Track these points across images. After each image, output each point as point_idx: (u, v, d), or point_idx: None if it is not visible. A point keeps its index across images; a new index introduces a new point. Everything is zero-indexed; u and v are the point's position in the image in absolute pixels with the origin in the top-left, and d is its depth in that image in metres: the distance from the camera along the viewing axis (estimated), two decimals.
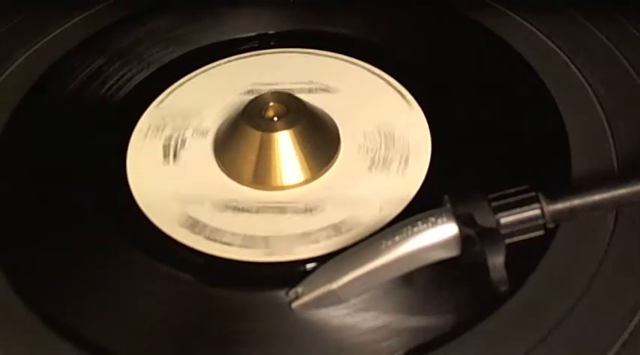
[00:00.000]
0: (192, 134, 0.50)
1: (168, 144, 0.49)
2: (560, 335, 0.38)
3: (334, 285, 0.38)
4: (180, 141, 0.49)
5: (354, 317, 0.39)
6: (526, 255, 0.40)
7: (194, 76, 0.54)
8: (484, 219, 0.37)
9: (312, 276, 0.40)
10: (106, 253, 0.43)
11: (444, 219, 0.37)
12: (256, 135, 0.46)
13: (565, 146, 0.47)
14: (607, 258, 0.41)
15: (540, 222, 0.38)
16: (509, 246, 0.37)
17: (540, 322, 0.39)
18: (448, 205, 0.38)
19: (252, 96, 0.48)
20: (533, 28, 0.55)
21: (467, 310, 0.39)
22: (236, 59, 0.55)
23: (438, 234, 0.37)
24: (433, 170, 0.46)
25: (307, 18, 0.57)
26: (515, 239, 0.38)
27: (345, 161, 0.47)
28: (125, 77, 0.54)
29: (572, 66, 0.52)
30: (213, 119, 0.50)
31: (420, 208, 0.39)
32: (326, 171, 0.47)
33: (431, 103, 0.50)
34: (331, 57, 0.54)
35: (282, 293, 0.40)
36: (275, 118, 0.46)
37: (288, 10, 0.58)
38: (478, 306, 0.39)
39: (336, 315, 0.39)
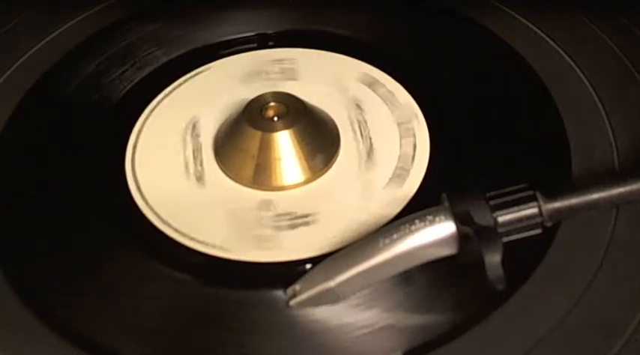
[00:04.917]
0: (192, 134, 0.50)
1: (168, 145, 0.49)
2: (560, 335, 0.38)
3: (332, 283, 0.38)
4: (179, 140, 0.49)
5: (353, 316, 0.39)
6: (526, 255, 0.40)
7: (194, 76, 0.54)
8: (482, 218, 0.37)
9: (309, 274, 0.40)
10: (106, 253, 0.43)
11: (442, 218, 0.37)
12: (256, 135, 0.46)
13: (565, 146, 0.47)
14: (607, 258, 0.41)
15: (538, 220, 0.38)
16: (510, 246, 0.37)
17: (540, 322, 0.39)
18: (446, 203, 0.38)
19: (252, 96, 0.48)
20: (533, 28, 0.55)
21: (467, 310, 0.39)
22: (236, 59, 0.55)
23: (436, 232, 0.37)
24: (433, 169, 0.46)
25: (307, 18, 0.57)
26: (513, 237, 0.38)
27: (345, 161, 0.47)
28: (124, 77, 0.54)
29: (572, 66, 0.52)
30: (212, 119, 0.50)
31: (419, 208, 0.39)
32: (326, 171, 0.47)
33: (430, 103, 0.50)
34: (331, 57, 0.54)
35: (280, 292, 0.40)
36: (275, 118, 0.46)
37: (287, 9, 0.58)
38: (478, 306, 0.39)
39: (335, 314, 0.39)
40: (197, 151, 0.48)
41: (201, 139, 0.49)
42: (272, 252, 0.43)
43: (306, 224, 0.44)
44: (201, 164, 0.48)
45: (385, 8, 0.58)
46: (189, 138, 0.49)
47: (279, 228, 0.44)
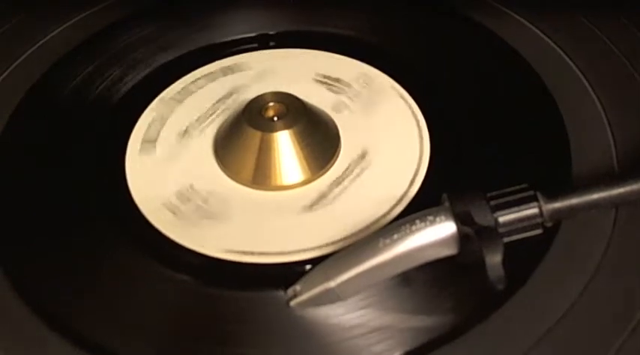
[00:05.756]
0: (192, 134, 0.50)
1: (168, 145, 0.49)
2: (560, 335, 0.38)
3: (332, 283, 0.38)
4: (180, 141, 0.49)
5: (353, 317, 0.39)
6: (526, 255, 0.40)
7: (194, 76, 0.54)
8: (482, 218, 0.37)
9: (310, 274, 0.40)
10: (106, 254, 0.43)
11: (442, 218, 0.37)
12: (256, 135, 0.46)
13: (565, 146, 0.47)
14: (607, 258, 0.41)
15: (539, 220, 0.38)
16: (510, 246, 0.37)
17: (540, 322, 0.39)
18: (446, 203, 0.38)
19: (252, 96, 0.48)
20: (533, 28, 0.55)
21: (467, 310, 0.39)
22: (236, 59, 0.55)
23: (436, 233, 0.37)
24: (433, 169, 0.46)
25: (307, 18, 0.57)
26: (514, 237, 0.38)
27: (345, 161, 0.47)
28: (125, 77, 0.53)
29: (572, 66, 0.52)
30: (212, 119, 0.50)
31: (419, 208, 0.39)
32: (326, 171, 0.47)
33: (431, 103, 0.50)
34: (331, 57, 0.54)
35: (280, 292, 0.40)
36: (275, 118, 0.46)
37: (288, 10, 0.58)
38: (478, 306, 0.39)
39: (335, 315, 0.39)
40: (197, 151, 0.48)
41: (201, 139, 0.49)
42: (272, 252, 0.42)
43: (306, 224, 0.44)
44: (201, 164, 0.48)
45: (385, 8, 0.58)
46: (189, 138, 0.49)
47: (279, 229, 0.44)
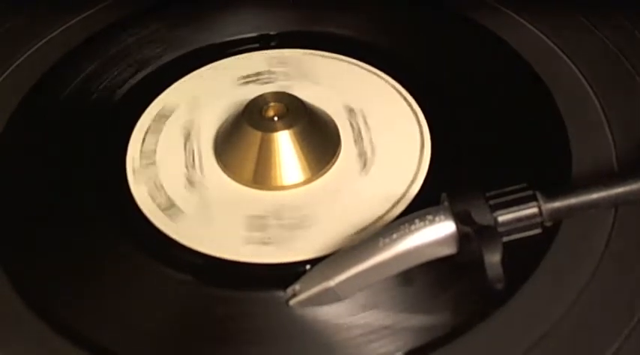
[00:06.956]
0: (192, 133, 0.50)
1: (169, 145, 0.49)
2: (561, 335, 0.38)
3: (332, 283, 0.38)
4: (180, 140, 0.49)
5: (353, 317, 0.39)
6: (526, 255, 0.40)
7: (194, 77, 0.54)
8: (481, 217, 0.37)
9: (309, 274, 0.40)
10: (106, 253, 0.43)
11: (442, 217, 0.37)
12: (256, 135, 0.46)
13: (565, 146, 0.47)
14: (607, 258, 0.41)
15: (538, 220, 0.38)
16: (510, 246, 0.37)
17: (540, 322, 0.39)
18: (446, 203, 0.38)
19: (251, 96, 0.48)
20: (533, 28, 0.55)
21: (467, 310, 0.39)
22: (237, 59, 0.55)
23: (436, 232, 0.37)
24: (433, 169, 0.46)
25: (308, 18, 0.57)
26: (513, 237, 0.38)
27: (345, 161, 0.47)
28: (125, 77, 0.54)
29: (572, 66, 0.52)
30: (212, 119, 0.50)
31: (420, 208, 0.39)
32: (326, 171, 0.47)
33: (431, 103, 0.50)
34: (332, 57, 0.54)
35: (280, 292, 0.40)
36: (275, 118, 0.46)
37: (289, 10, 0.58)
38: (478, 306, 0.39)
39: (335, 314, 0.39)
40: (197, 151, 0.48)
41: (202, 139, 0.49)
42: (272, 253, 0.42)
43: (307, 224, 0.44)
44: (202, 164, 0.48)
45: (385, 8, 0.58)
46: (189, 138, 0.49)
47: (279, 229, 0.44)
